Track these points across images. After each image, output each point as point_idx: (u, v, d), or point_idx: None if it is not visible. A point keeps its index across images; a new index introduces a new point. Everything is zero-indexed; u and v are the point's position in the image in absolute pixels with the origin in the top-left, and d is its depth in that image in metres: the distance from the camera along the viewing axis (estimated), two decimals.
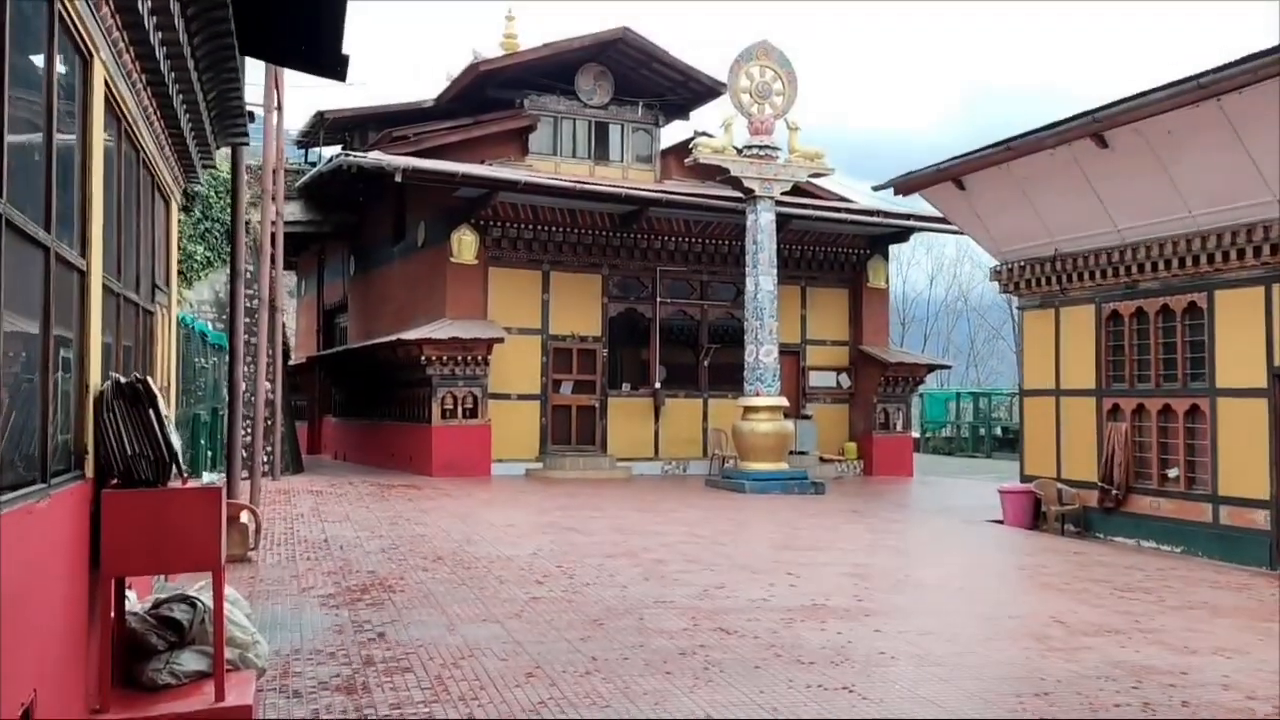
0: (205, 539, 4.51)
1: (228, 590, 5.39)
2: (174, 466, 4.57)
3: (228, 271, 11.93)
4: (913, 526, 13.96)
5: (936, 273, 57.04)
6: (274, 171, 15.79)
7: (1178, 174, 11.75)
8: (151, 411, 4.44)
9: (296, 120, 25.03)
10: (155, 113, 5.81)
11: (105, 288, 4.64)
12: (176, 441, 4.69)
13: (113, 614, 4.63)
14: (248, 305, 13.89)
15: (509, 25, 23.60)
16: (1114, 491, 13.13)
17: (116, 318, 5.12)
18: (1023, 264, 14.63)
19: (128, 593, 5.14)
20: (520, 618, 7.11)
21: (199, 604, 5.03)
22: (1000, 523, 14.26)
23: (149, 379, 4.57)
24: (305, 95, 63.95)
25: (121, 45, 4.65)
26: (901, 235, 22.97)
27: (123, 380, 4.49)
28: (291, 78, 15.63)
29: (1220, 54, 14.04)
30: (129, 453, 4.41)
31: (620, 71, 21.99)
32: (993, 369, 57.24)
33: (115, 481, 4.49)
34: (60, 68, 3.87)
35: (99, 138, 4.40)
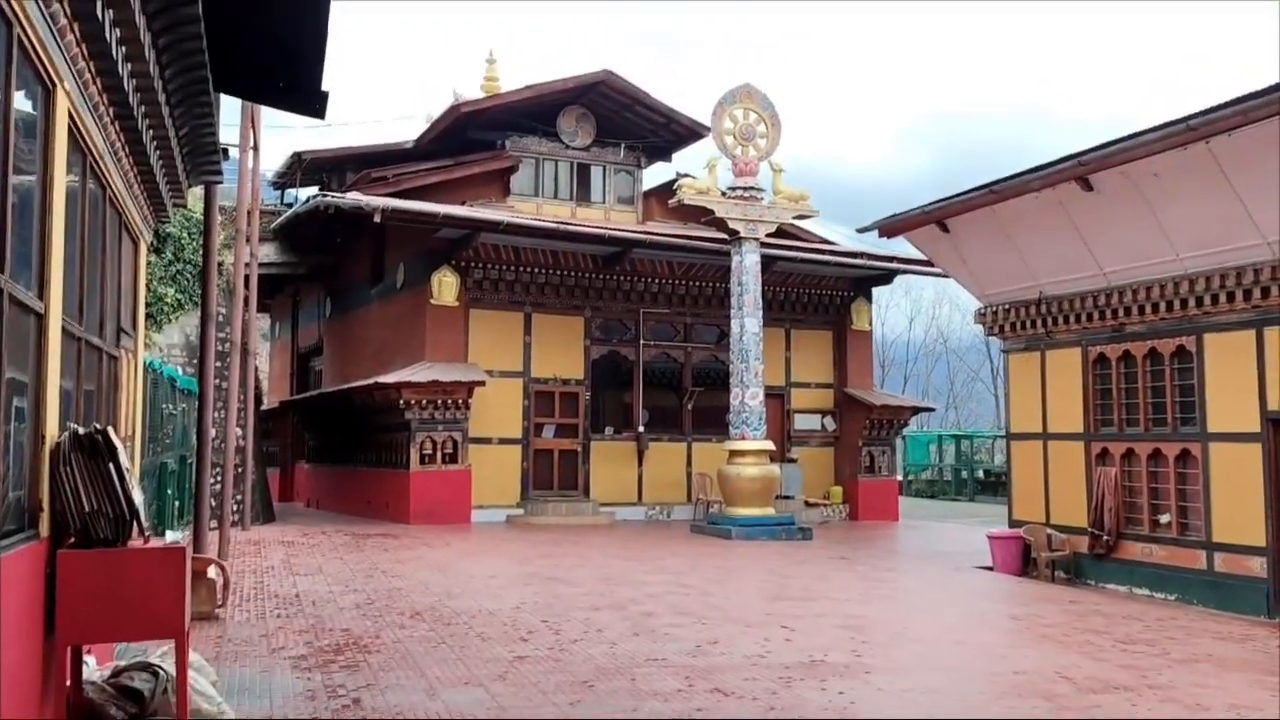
0: (168, 603, 4.22)
1: (192, 656, 5.05)
2: (135, 524, 4.26)
3: (199, 314, 11.59)
4: (903, 574, 13.68)
5: (915, 315, 57.42)
6: (249, 212, 15.50)
7: (1165, 217, 11.69)
8: (112, 465, 4.14)
9: (273, 162, 24.87)
10: (124, 148, 5.54)
11: (65, 331, 4.35)
12: (138, 497, 4.38)
13: (69, 683, 4.30)
14: (219, 349, 13.54)
15: (490, 68, 23.56)
16: (1105, 537, 12.91)
17: (77, 363, 4.81)
18: (1007, 306, 14.53)
19: (86, 659, 4.80)
20: (505, 680, 6.75)
21: (161, 672, 4.71)
22: (989, 569, 14.01)
23: (110, 430, 4.27)
24: (282, 137, 63.99)
25: (88, 76, 4.40)
26: (885, 277, 22.93)
27: (81, 431, 4.19)
28: (269, 118, 15.46)
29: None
30: (87, 510, 4.11)
31: (602, 113, 21.97)
32: (972, 411, 57.43)
33: (72, 541, 4.19)
34: (20, 99, 3.62)
35: (61, 173, 4.13)
